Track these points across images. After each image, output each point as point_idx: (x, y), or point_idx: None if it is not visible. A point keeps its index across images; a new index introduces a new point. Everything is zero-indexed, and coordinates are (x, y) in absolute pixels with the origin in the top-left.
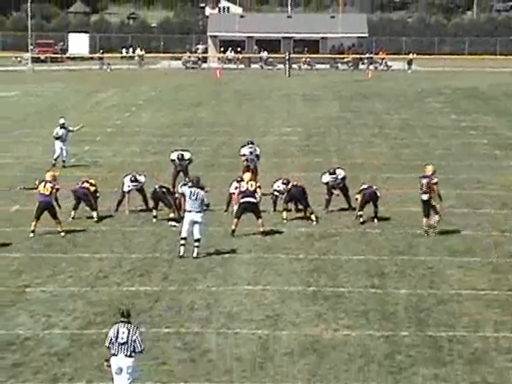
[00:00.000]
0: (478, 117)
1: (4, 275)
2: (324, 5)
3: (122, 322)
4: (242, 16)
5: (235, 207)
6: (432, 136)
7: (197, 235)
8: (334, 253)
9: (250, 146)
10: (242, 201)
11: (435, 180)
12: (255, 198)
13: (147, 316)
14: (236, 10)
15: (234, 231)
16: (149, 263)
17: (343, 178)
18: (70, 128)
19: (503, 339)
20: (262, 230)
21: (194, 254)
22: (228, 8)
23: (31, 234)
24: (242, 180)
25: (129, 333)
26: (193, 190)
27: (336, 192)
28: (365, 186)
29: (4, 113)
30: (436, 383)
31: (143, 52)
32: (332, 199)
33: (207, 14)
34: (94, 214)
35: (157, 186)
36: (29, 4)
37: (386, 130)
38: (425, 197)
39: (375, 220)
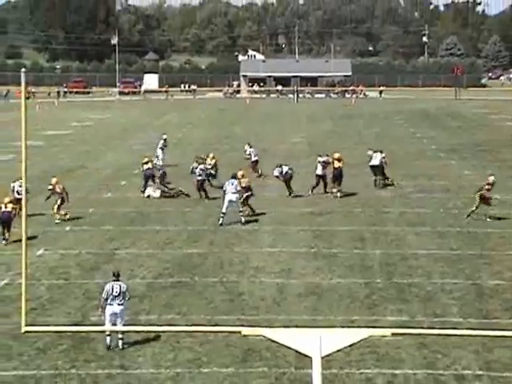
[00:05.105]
0: (428, 130)
1: (101, 242)
2: (321, 53)
3: (114, 280)
4: (263, 61)
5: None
6: (395, 143)
7: (239, 208)
8: (329, 225)
9: (250, 145)
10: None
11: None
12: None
13: (199, 270)
14: (260, 56)
15: (253, 210)
16: (200, 233)
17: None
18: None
19: (447, 284)
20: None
21: (243, 221)
22: (254, 56)
23: (57, 221)
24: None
25: (120, 287)
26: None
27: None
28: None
29: (101, 130)
30: (400, 315)
31: (195, 87)
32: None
33: (240, 59)
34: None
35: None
36: (117, 54)
37: (364, 139)
38: None
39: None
